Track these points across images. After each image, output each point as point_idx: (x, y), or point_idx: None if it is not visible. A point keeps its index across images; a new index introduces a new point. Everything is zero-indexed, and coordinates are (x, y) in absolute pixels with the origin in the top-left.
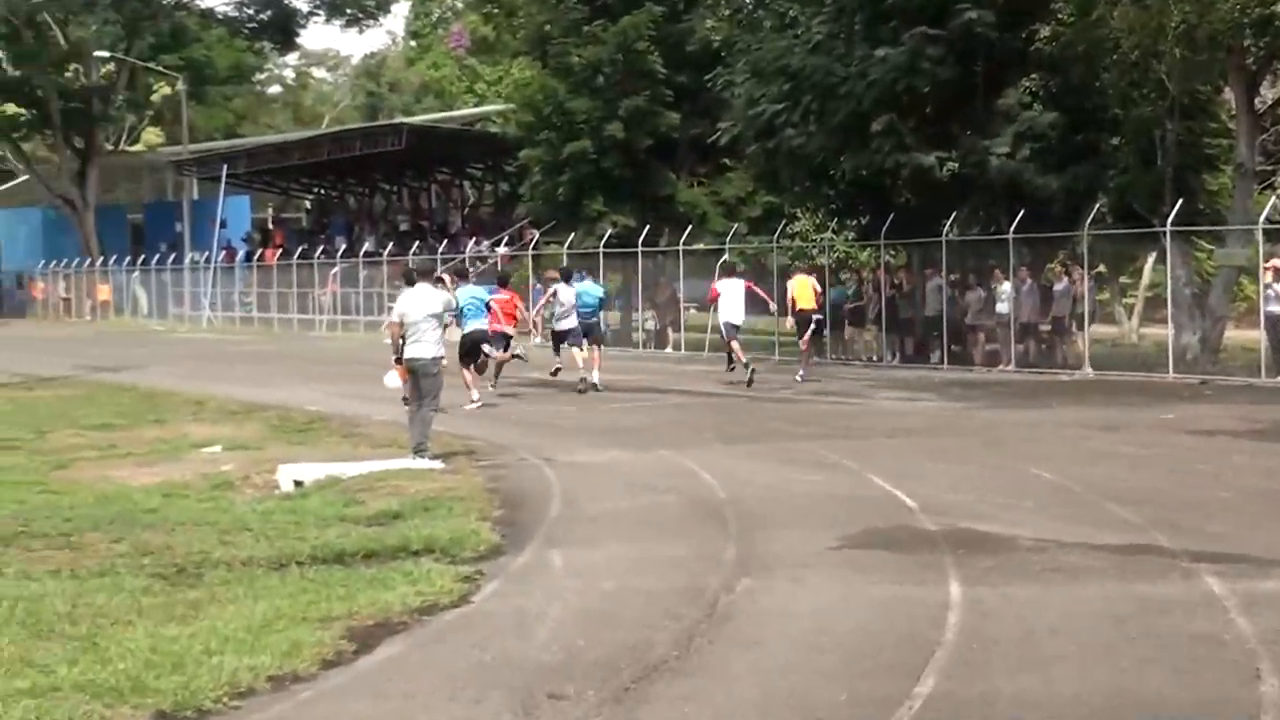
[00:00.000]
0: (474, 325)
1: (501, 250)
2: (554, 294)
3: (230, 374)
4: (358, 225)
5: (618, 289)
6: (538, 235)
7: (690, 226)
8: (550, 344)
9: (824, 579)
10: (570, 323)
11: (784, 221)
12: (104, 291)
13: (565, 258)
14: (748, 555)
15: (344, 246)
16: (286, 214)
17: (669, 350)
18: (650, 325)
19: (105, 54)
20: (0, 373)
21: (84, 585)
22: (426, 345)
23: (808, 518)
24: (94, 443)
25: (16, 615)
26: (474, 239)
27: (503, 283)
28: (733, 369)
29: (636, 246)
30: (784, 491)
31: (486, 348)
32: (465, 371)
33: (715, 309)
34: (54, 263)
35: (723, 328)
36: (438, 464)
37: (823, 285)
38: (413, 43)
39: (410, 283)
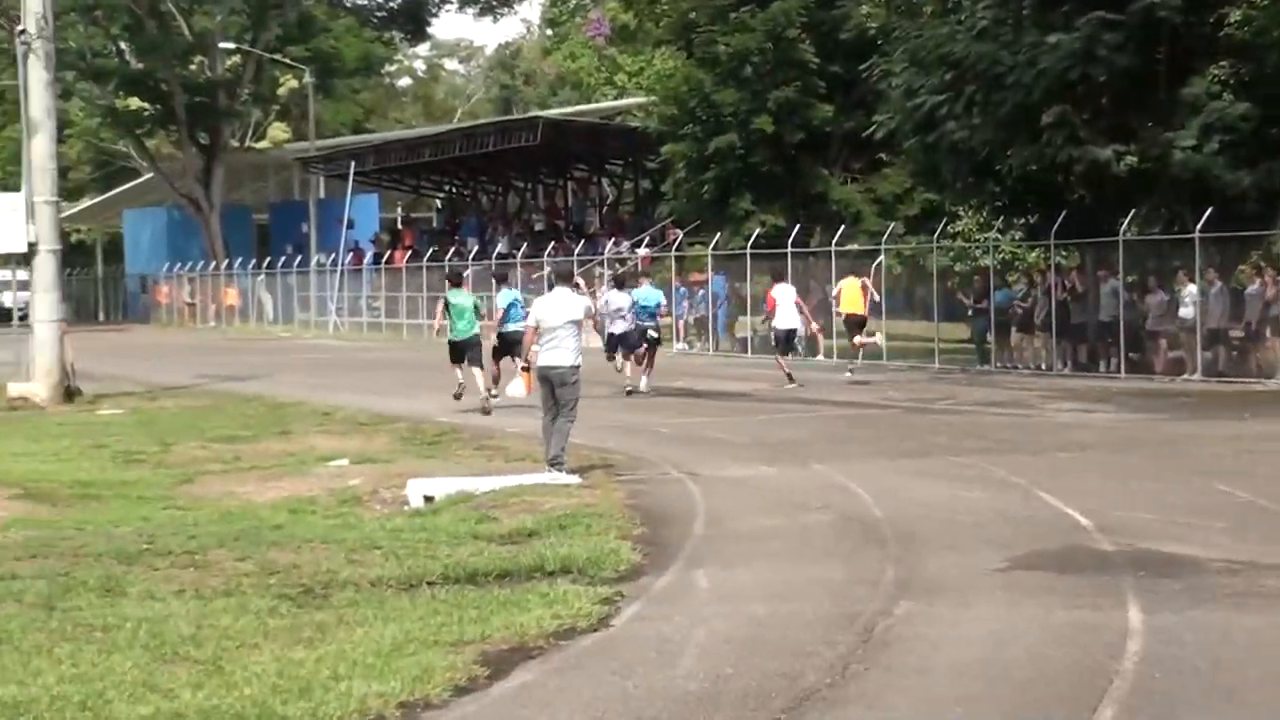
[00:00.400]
0: (514, 327)
1: (642, 252)
2: (605, 301)
3: (358, 383)
4: (490, 225)
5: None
6: (680, 236)
7: (843, 226)
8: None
9: (990, 603)
10: (622, 326)
11: (944, 220)
12: (229, 296)
13: (710, 259)
14: (907, 577)
15: (476, 248)
16: (416, 214)
17: (820, 358)
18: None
19: (230, 45)
20: (124, 381)
21: (209, 606)
22: (564, 353)
23: (972, 537)
24: (219, 456)
25: (140, 638)
26: (612, 240)
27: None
28: (792, 379)
29: (786, 247)
30: (946, 509)
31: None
32: (492, 366)
33: (770, 317)
34: (178, 265)
35: (773, 334)
36: (575, 479)
37: (989, 287)
38: (549, 32)
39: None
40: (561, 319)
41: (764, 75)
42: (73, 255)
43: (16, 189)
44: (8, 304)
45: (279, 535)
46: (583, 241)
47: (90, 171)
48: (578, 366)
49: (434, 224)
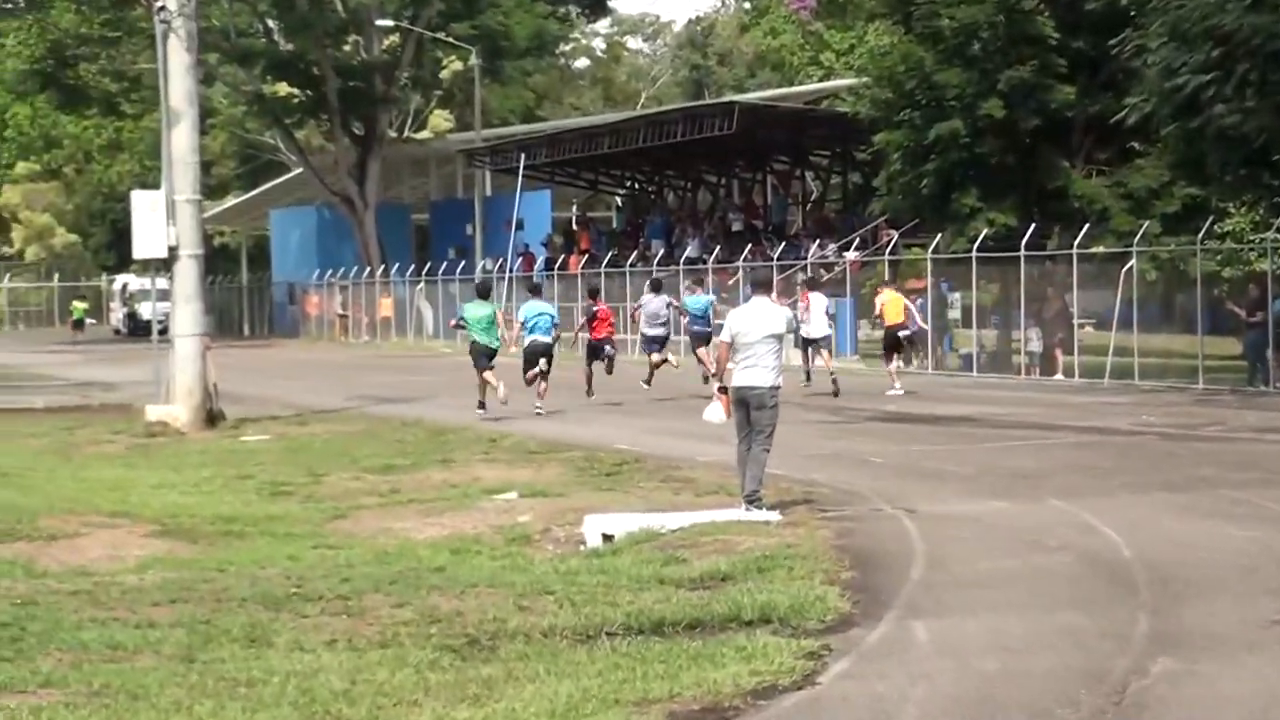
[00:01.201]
0: (536, 339)
1: (851, 255)
2: (639, 306)
3: (528, 406)
4: (678, 226)
5: (995, 301)
6: (896, 237)
7: (1086, 226)
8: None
9: (1266, 660)
10: (656, 331)
11: (1210, 219)
12: (385, 306)
13: (929, 264)
14: (1164, 629)
15: (661, 251)
16: (594, 213)
17: (1059, 377)
18: (1034, 346)
19: (388, 23)
20: (271, 404)
21: (363, 658)
22: (763, 371)
23: (1242, 583)
24: (374, 488)
25: (288, 694)
26: (817, 242)
27: (593, 295)
28: (808, 384)
29: (1018, 249)
30: (1210, 550)
31: (543, 363)
32: (525, 375)
33: (802, 321)
34: (329, 273)
35: (804, 341)
36: (774, 515)
37: (1256, 295)
38: (746, 5)
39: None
40: (760, 333)
41: (994, 53)
42: (215, 260)
43: (155, 186)
44: (146, 316)
45: (440, 578)
46: (783, 244)
47: (235, 166)
48: (778, 388)
49: (614, 224)
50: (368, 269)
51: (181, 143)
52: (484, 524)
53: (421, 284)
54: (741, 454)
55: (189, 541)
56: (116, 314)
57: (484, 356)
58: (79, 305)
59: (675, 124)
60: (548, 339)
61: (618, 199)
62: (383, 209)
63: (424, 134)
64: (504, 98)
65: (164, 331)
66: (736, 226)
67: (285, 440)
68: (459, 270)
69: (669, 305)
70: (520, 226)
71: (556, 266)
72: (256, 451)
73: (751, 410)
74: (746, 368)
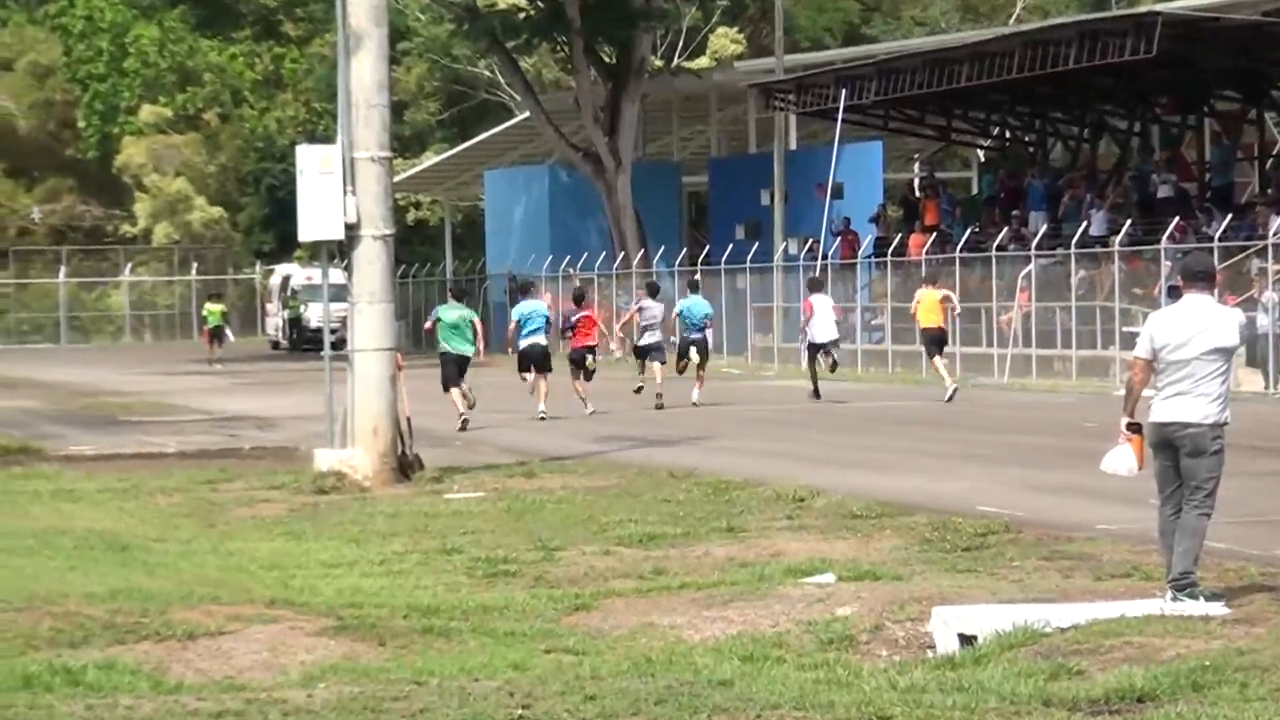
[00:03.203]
0: (531, 340)
1: None
2: (639, 309)
3: (849, 449)
4: (1069, 191)
5: None
6: None
7: None
8: (636, 360)
9: None
10: (653, 337)
11: None
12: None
13: None
14: None
15: (1044, 227)
16: (945, 173)
17: None
18: None
19: None
20: (483, 446)
21: None
22: (1201, 403)
23: None
24: (630, 566)
25: None
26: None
27: (578, 300)
28: (817, 395)
29: None
30: None
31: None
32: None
33: (809, 325)
34: (565, 260)
35: (812, 346)
36: (1217, 606)
37: None
38: None
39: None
40: (1200, 347)
41: None
42: (408, 242)
43: (327, 138)
44: (314, 323)
45: (727, 697)
46: (1229, 216)
47: (436, 110)
48: (1223, 424)
49: (973, 189)
50: (620, 254)
51: (365, 78)
52: (788, 619)
53: (697, 274)
54: (1165, 520)
55: (374, 642)
56: (274, 319)
57: (453, 365)
58: (214, 308)
59: (1066, 45)
60: (544, 340)
61: (980, 153)
62: (642, 169)
63: (701, 62)
64: (816, 9)
65: (339, 345)
66: (1163, 191)
67: (506, 499)
68: (750, 255)
69: (665, 311)
70: (839, 194)
71: (890, 249)
72: (466, 514)
73: (1182, 458)
74: (1174, 396)
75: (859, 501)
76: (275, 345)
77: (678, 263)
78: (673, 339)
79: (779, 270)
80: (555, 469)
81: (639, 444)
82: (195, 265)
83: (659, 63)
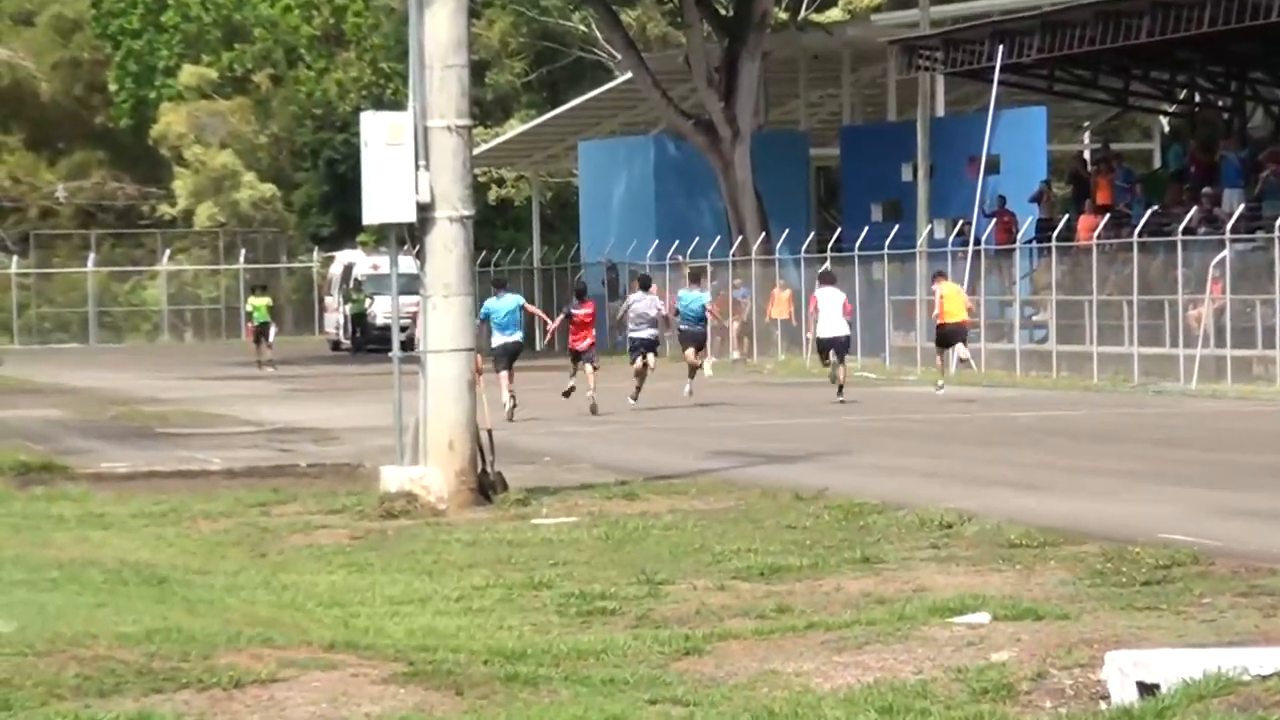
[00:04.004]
0: (505, 338)
1: None
2: (629, 306)
3: (1005, 466)
4: (1272, 165)
5: None
6: None
7: None
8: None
9: None
10: (645, 333)
11: None
12: (779, 301)
13: None
14: None
15: (1241, 207)
16: (1121, 144)
17: None
18: None
19: None
20: (578, 464)
21: None
22: None
23: None
24: (750, 603)
25: None
26: None
27: (580, 294)
28: (842, 398)
29: None
30: None
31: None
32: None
33: (815, 322)
34: (674, 246)
35: (818, 345)
36: None
37: None
38: None
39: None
40: None
41: None
42: (489, 225)
43: (396, 104)
44: (381, 319)
45: None
46: None
47: (523, 72)
48: None
49: (1155, 163)
50: (737, 239)
51: (440, 33)
52: (934, 665)
53: (827, 263)
54: None
55: (450, 692)
56: (334, 315)
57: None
58: (258, 303)
59: None
60: (519, 337)
61: (1163, 121)
62: (763, 140)
63: (833, 15)
64: None
65: (409, 345)
66: None
67: (603, 524)
68: (889, 240)
69: (658, 308)
70: (995, 168)
71: (1055, 233)
72: (557, 543)
73: None
74: None
75: (1017, 527)
76: (335, 345)
77: (804, 248)
78: (666, 332)
79: (922, 258)
80: (661, 489)
81: (759, 460)
82: (243, 252)
83: (783, 15)
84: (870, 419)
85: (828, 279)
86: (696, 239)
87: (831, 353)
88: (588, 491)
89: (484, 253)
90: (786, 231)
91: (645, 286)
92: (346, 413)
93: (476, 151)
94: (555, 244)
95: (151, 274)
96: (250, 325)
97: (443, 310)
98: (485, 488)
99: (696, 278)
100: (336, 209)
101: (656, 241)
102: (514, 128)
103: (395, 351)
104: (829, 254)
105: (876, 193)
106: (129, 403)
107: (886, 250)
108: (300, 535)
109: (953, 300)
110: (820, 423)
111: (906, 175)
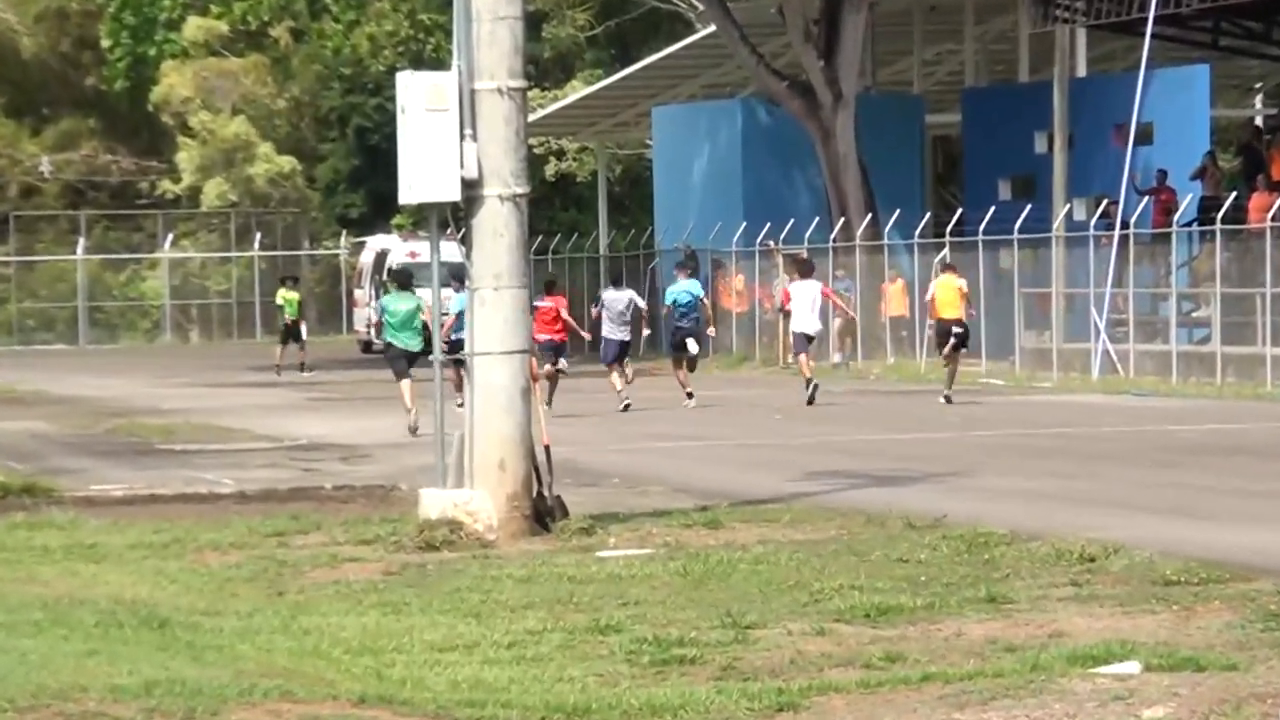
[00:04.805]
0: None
1: None
2: (599, 303)
3: (1157, 489)
4: None
5: None
6: None
7: None
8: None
9: None
10: (618, 334)
11: None
12: (891, 295)
13: None
14: None
15: None
16: None
17: None
18: None
19: None
20: (648, 485)
21: None
22: None
23: None
24: (853, 650)
25: None
26: None
27: (548, 288)
28: (812, 399)
29: None
30: None
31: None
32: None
33: (785, 316)
34: (764, 229)
35: (792, 339)
36: None
37: None
38: None
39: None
40: None
41: None
42: (547, 203)
43: (439, 64)
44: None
45: None
46: None
47: (587, 25)
48: None
49: None
50: (839, 221)
51: None
52: None
53: (945, 250)
54: None
55: None
56: (365, 311)
57: (403, 361)
58: (290, 296)
59: None
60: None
61: None
62: (871, 104)
63: None
64: None
65: (455, 346)
66: None
67: (681, 557)
68: (1019, 223)
69: (631, 303)
70: (1147, 138)
71: (1220, 214)
72: (627, 579)
73: None
74: None
75: (1173, 561)
76: (366, 346)
77: (918, 232)
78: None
79: (1059, 243)
80: (749, 516)
81: (864, 481)
82: (258, 237)
83: None
84: (997, 433)
85: (805, 270)
86: (791, 221)
87: (804, 346)
88: (663, 518)
89: (540, 237)
90: (897, 213)
91: (616, 281)
92: (379, 426)
93: (533, 118)
94: (624, 226)
95: (151, 263)
96: (285, 318)
97: (493, 305)
98: (542, 514)
99: (689, 268)
100: (367, 186)
101: (744, 224)
102: (576, 90)
103: (437, 354)
104: (947, 239)
105: (1004, 167)
106: (125, 414)
107: (1016, 234)
108: (325, 570)
109: (945, 295)
110: (937, 437)
111: (1040, 146)
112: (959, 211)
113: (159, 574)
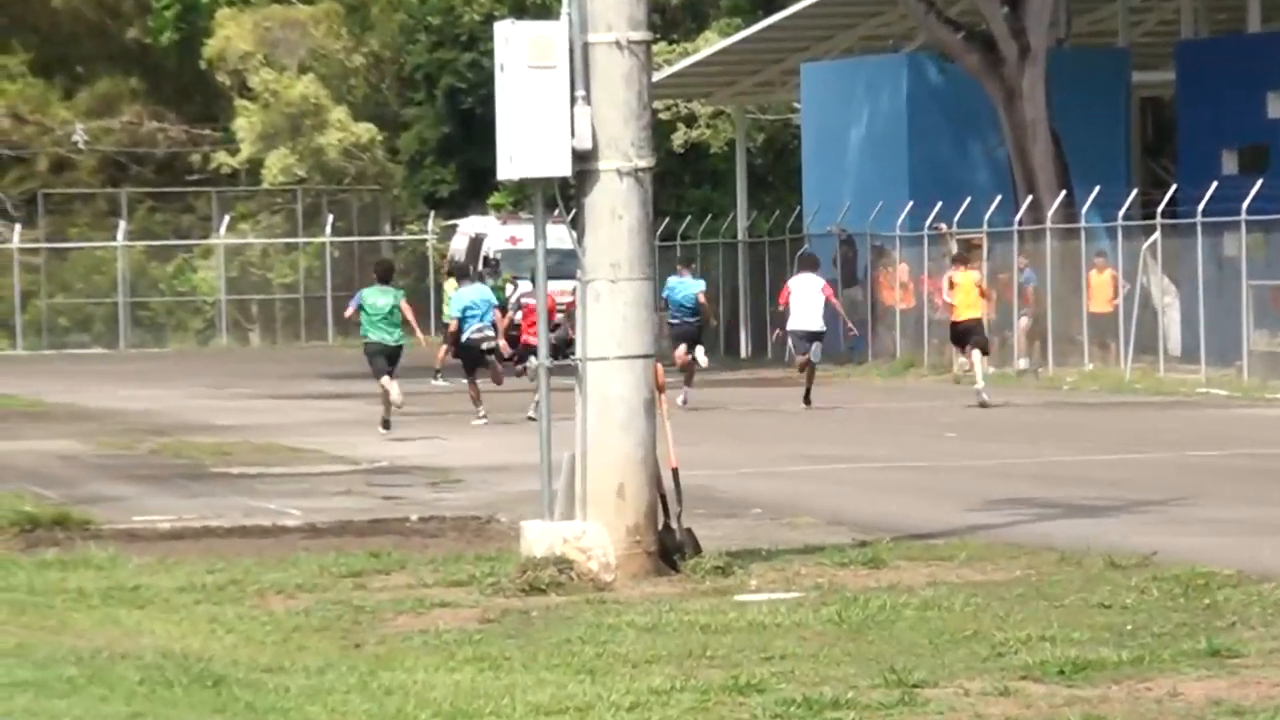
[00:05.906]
0: (474, 332)
1: None
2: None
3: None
4: None
5: None
6: None
7: None
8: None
9: None
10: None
11: None
12: (1099, 286)
13: None
14: None
15: None
16: None
17: None
18: None
19: None
20: (800, 516)
21: None
22: None
23: None
24: (1044, 712)
25: None
26: None
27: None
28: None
29: None
30: None
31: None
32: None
33: (785, 313)
34: (935, 209)
35: (791, 339)
36: None
37: None
38: None
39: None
40: None
41: None
42: (673, 178)
43: (545, 12)
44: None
45: None
46: None
47: None
48: None
49: None
50: (1027, 198)
51: None
52: None
53: (1156, 234)
54: None
55: None
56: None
57: (381, 357)
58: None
59: None
60: (488, 330)
61: None
62: (1065, 60)
63: None
64: None
65: (562, 349)
66: None
67: (836, 602)
68: (1248, 201)
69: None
70: None
71: None
72: (772, 628)
73: None
74: None
75: None
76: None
77: (1121, 213)
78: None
79: None
80: (917, 553)
81: (1054, 512)
82: (330, 219)
83: None
84: (1219, 454)
85: (807, 264)
86: (967, 199)
87: (806, 347)
88: (813, 555)
89: (667, 220)
90: (1097, 189)
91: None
92: (473, 446)
93: (658, 77)
94: (768, 206)
95: (204, 250)
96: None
97: (609, 301)
98: (669, 550)
99: (688, 261)
100: (459, 159)
101: (911, 203)
102: (711, 44)
103: (543, 359)
104: (1158, 220)
105: (1229, 135)
106: (173, 431)
107: (1244, 215)
108: (410, 617)
109: (965, 293)
110: (1145, 459)
111: (1274, 110)
112: (1173, 188)
113: (213, 622)
